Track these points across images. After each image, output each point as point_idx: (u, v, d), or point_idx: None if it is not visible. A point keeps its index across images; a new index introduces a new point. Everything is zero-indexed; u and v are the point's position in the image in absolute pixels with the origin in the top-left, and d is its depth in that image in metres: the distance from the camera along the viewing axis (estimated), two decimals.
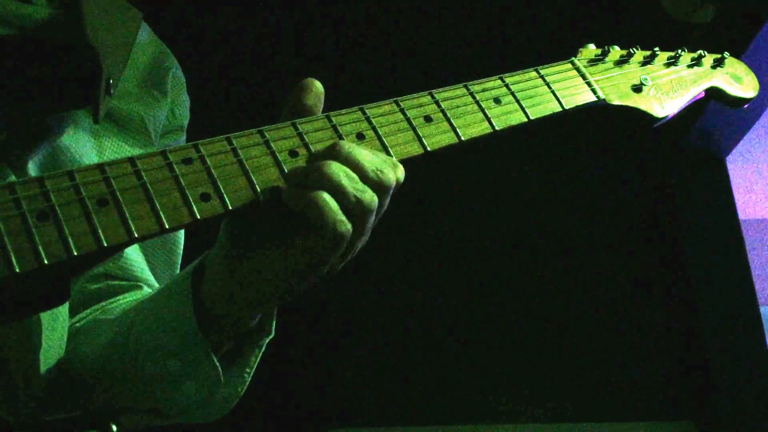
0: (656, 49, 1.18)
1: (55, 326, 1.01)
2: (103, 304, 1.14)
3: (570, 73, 1.12)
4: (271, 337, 1.02)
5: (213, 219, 0.83)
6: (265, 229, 0.87)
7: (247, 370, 1.02)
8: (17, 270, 0.71)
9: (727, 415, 3.03)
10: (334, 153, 0.86)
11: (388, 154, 0.94)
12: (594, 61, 1.15)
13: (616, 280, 3.31)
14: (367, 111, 0.96)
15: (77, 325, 1.11)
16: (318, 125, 0.93)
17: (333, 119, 0.94)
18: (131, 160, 0.82)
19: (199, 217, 0.81)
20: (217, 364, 0.95)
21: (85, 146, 1.05)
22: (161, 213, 0.80)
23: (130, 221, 0.78)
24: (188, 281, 0.94)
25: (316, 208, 0.82)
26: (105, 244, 0.76)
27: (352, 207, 0.84)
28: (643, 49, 1.18)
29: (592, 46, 1.17)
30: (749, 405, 3.05)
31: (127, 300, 1.14)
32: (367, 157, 0.87)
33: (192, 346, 0.94)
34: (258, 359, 1.02)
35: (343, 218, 0.84)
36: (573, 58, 1.14)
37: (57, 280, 0.79)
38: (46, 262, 0.73)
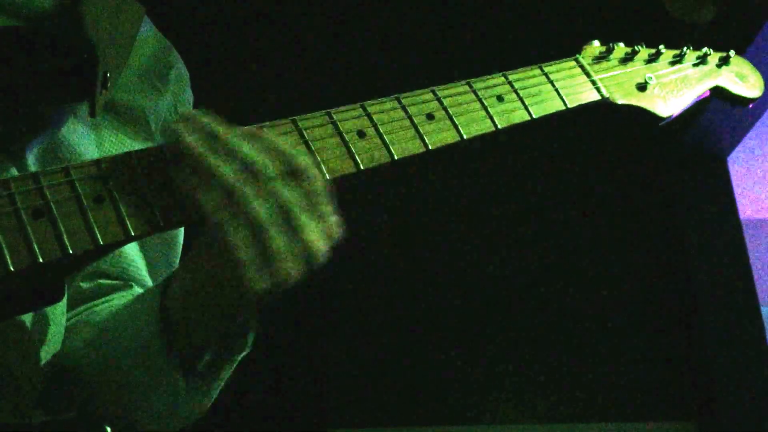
0: (661, 47, 1.17)
1: (53, 323, 0.99)
2: (92, 304, 1.12)
3: (574, 70, 1.11)
4: (244, 353, 0.95)
5: None
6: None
7: (215, 385, 0.97)
8: (11, 268, 0.70)
9: (728, 415, 3.02)
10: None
11: (388, 151, 0.93)
12: (598, 59, 1.14)
13: (617, 280, 3.30)
14: (368, 108, 0.95)
15: (69, 322, 1.09)
16: (318, 122, 0.92)
17: (334, 116, 0.93)
18: (128, 156, 0.81)
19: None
20: (179, 377, 0.91)
21: (84, 138, 1.04)
22: (157, 212, 0.79)
23: (126, 219, 0.77)
24: (158, 293, 0.92)
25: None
26: (101, 242, 0.74)
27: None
28: (648, 46, 1.16)
29: (596, 43, 1.16)
30: (750, 405, 3.04)
31: (114, 303, 1.12)
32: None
33: (156, 357, 0.91)
34: (228, 374, 0.97)
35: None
36: (577, 56, 1.13)
37: (52, 278, 0.78)
38: (40, 260, 0.71)
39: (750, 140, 3.45)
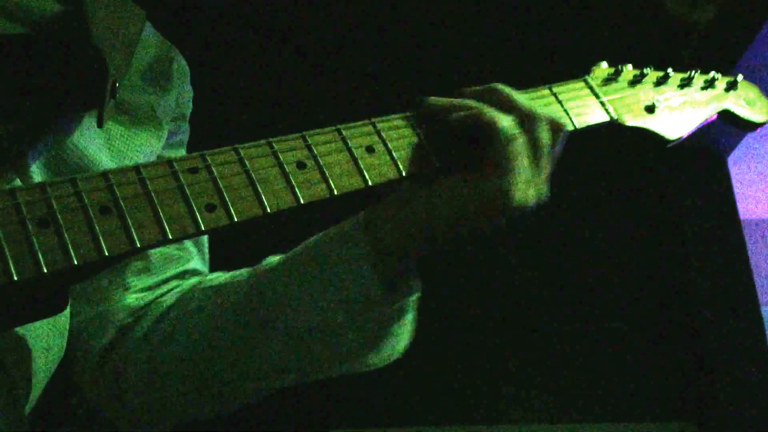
0: (669, 69, 1.17)
1: (55, 333, 0.99)
2: (188, 278, 1.14)
3: (583, 91, 1.11)
4: (418, 295, 1.02)
5: (218, 230, 0.82)
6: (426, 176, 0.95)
7: (406, 323, 1.02)
8: (15, 278, 0.69)
9: (728, 415, 3.03)
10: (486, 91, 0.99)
11: (396, 168, 0.94)
12: (607, 81, 1.14)
13: (617, 280, 3.31)
14: (378, 124, 0.96)
15: (163, 299, 1.11)
16: (327, 138, 0.93)
17: (343, 132, 0.94)
18: (136, 169, 0.81)
19: (203, 227, 0.80)
20: (388, 307, 0.95)
21: (92, 139, 1.03)
22: (165, 222, 0.78)
23: (132, 230, 0.76)
24: (359, 231, 0.96)
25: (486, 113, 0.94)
26: (106, 253, 0.74)
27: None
28: (656, 69, 1.17)
29: (604, 65, 1.17)
30: (750, 405, 3.05)
31: (211, 276, 1.14)
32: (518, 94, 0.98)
33: (368, 287, 0.94)
34: (412, 316, 1.03)
35: (507, 118, 0.94)
36: (586, 77, 1.14)
37: (56, 288, 0.78)
38: (45, 270, 0.71)
39: (750, 140, 3.45)
